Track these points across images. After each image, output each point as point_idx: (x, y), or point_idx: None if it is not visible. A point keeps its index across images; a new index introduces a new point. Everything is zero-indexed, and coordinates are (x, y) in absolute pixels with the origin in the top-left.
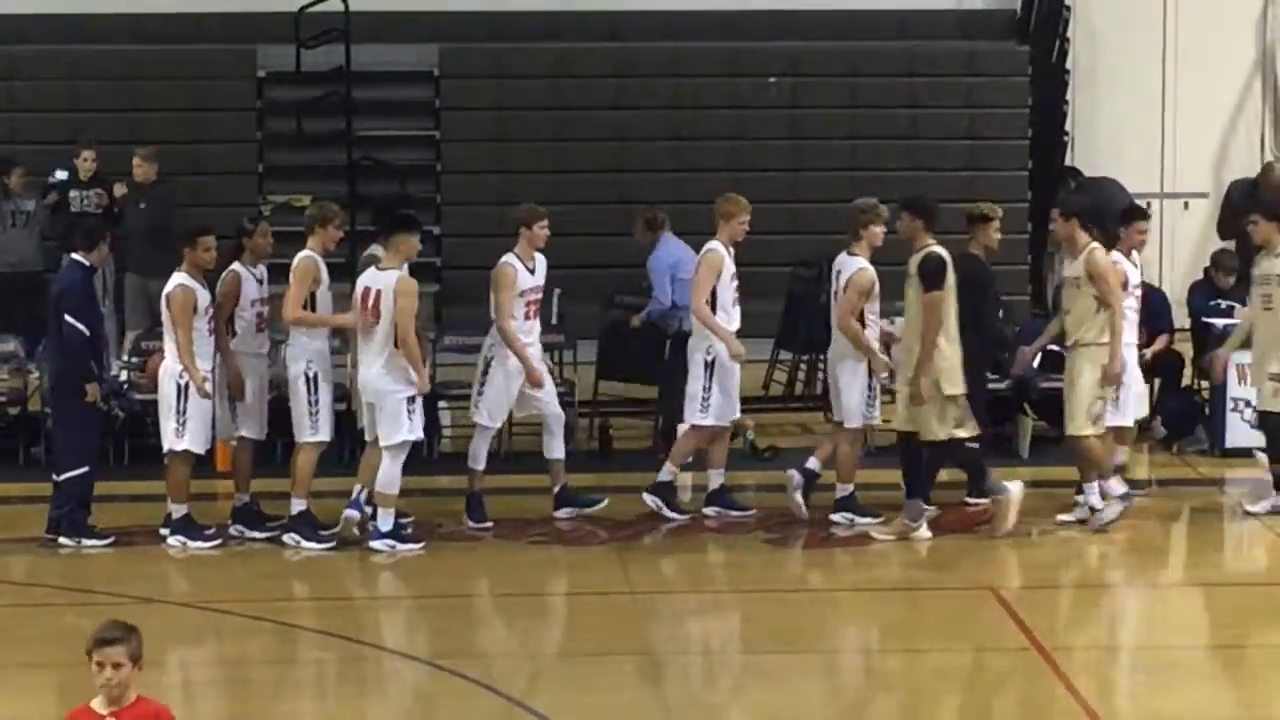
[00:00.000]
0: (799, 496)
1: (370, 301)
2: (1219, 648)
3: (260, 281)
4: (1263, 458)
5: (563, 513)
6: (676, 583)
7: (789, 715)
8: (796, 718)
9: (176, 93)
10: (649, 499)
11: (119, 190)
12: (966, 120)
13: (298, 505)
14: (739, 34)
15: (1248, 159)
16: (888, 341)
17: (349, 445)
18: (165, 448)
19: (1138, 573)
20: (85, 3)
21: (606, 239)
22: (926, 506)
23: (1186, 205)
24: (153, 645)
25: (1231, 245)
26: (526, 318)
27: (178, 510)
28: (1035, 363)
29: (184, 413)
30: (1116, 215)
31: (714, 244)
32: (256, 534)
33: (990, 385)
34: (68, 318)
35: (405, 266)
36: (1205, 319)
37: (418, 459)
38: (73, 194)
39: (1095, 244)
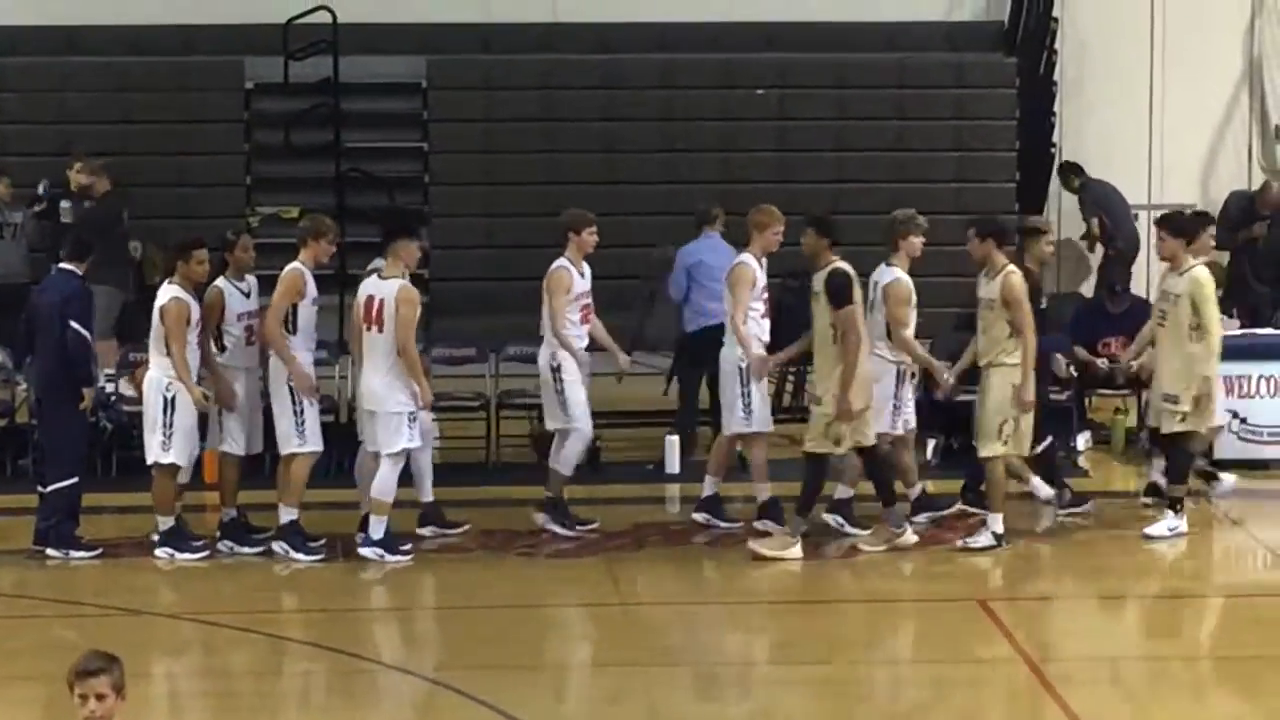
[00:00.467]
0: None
1: (374, 311)
2: (1208, 659)
3: (248, 295)
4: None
5: (540, 518)
6: (667, 594)
7: None
8: None
9: (164, 104)
10: (699, 516)
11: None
12: (954, 132)
13: (287, 515)
14: (728, 46)
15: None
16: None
17: (336, 456)
18: (150, 460)
19: (1130, 583)
20: (74, 15)
21: (596, 251)
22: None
23: None
24: (140, 657)
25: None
26: (581, 322)
27: (165, 523)
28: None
29: (170, 425)
30: (1118, 217)
31: (745, 256)
32: (246, 550)
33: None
34: (73, 324)
35: (406, 275)
36: None
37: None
38: (63, 205)
39: (1012, 267)
